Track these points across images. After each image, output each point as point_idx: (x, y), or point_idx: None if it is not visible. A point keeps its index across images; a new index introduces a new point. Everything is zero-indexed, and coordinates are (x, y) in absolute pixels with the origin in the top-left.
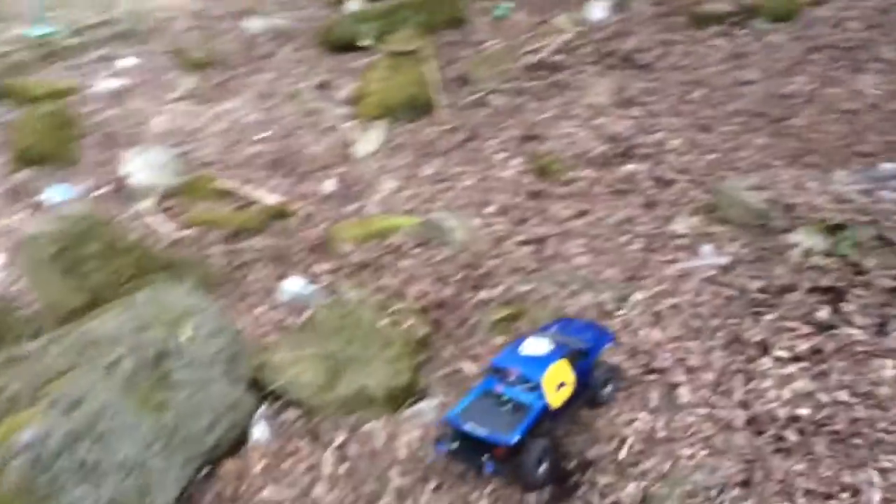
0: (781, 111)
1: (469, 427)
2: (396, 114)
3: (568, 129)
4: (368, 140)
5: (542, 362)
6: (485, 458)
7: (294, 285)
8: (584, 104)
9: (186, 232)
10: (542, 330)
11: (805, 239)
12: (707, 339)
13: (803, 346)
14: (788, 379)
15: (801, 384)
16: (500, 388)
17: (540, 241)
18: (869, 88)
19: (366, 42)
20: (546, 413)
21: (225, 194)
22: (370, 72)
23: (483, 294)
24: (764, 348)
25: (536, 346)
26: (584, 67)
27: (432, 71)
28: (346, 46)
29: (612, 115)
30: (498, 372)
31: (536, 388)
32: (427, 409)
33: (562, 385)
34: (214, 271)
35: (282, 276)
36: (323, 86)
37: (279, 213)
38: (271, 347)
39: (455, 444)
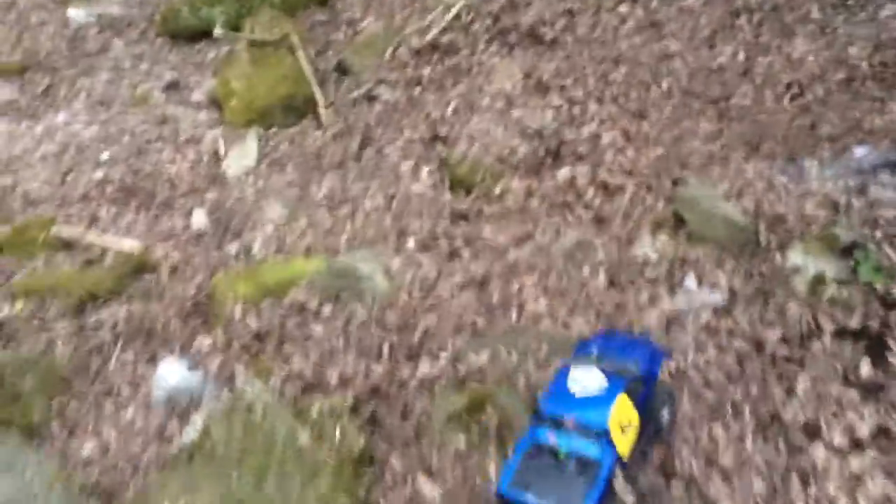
0: (720, 89)
1: (532, 499)
2: (271, 118)
3: (481, 125)
4: (241, 153)
5: (602, 402)
6: None
7: (172, 373)
8: (492, 92)
9: (16, 307)
10: (580, 351)
11: (807, 260)
12: (733, 420)
13: (862, 427)
14: (860, 480)
15: (880, 487)
16: (552, 438)
17: (482, 282)
18: (806, 56)
19: (218, 30)
20: (616, 464)
21: (65, 244)
22: (229, 67)
23: (425, 368)
24: (812, 431)
25: (587, 379)
26: (483, 47)
27: (305, 62)
28: (193, 36)
29: (529, 105)
30: (546, 418)
31: (602, 436)
32: None
33: (627, 426)
34: (61, 364)
35: (153, 359)
36: (173, 86)
37: (140, 266)
38: (152, 487)
39: None
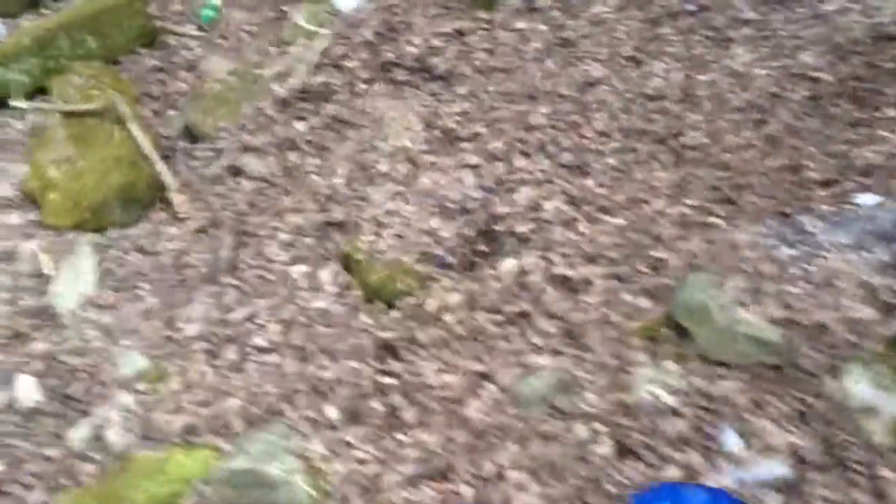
0: (664, 122)
1: None
2: (107, 215)
3: (386, 203)
4: (74, 274)
5: None
6: None
7: None
8: (389, 151)
9: None
10: None
11: (876, 396)
12: None
13: None
14: None
15: None
16: None
17: (444, 470)
18: (752, 69)
19: (17, 101)
20: None
21: None
22: (43, 148)
23: None
24: None
25: None
26: (364, 87)
27: (142, 134)
28: None
29: (440, 167)
30: None
31: None
32: None
33: None
34: None
35: None
36: None
37: None
38: None
39: None
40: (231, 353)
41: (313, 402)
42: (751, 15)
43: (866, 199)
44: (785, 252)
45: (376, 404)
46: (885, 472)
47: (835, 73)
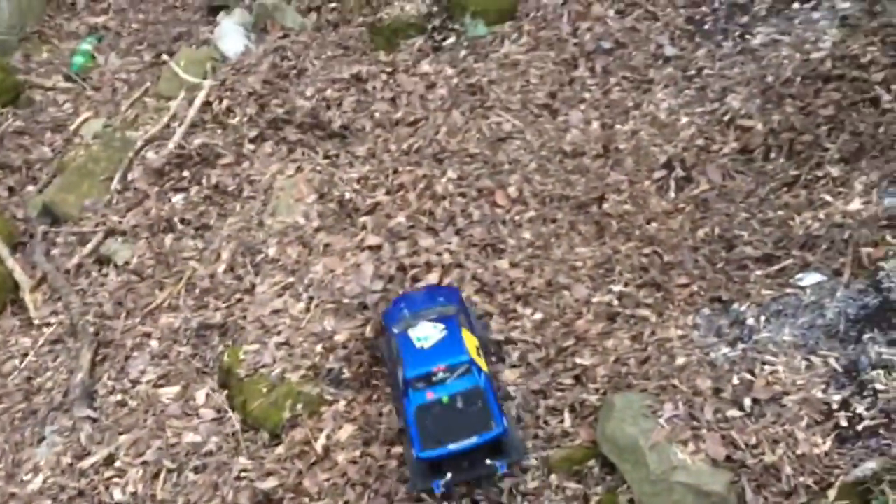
0: (584, 184)
1: (453, 447)
2: None
3: (273, 299)
4: None
5: (454, 343)
6: (490, 462)
7: None
8: (278, 229)
9: None
10: (393, 319)
11: None
12: None
13: None
14: None
15: None
16: (432, 394)
17: None
18: (676, 116)
19: None
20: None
21: None
22: None
23: None
24: None
25: (427, 332)
26: (251, 148)
27: None
28: None
29: (336, 249)
30: (418, 381)
31: (469, 366)
32: None
33: (477, 349)
34: None
35: None
36: None
37: None
38: None
39: (448, 476)
40: None
41: None
42: (672, 51)
43: (810, 278)
44: (722, 354)
45: None
46: None
47: (766, 121)
